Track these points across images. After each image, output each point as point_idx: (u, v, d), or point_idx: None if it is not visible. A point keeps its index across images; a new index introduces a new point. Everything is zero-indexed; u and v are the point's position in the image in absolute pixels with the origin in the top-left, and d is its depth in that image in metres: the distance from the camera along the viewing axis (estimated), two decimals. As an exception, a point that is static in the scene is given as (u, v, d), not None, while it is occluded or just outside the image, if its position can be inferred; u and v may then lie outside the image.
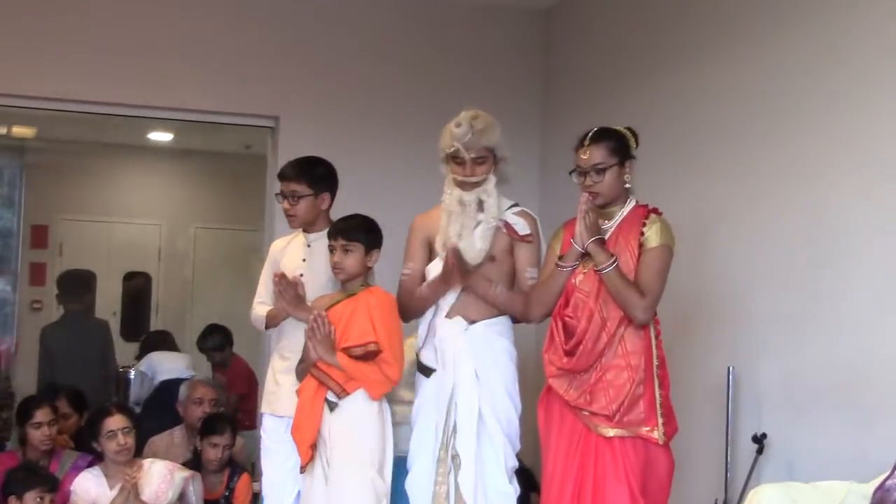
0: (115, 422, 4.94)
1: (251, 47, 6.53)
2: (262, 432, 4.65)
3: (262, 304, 4.67)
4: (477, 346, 4.24)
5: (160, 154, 10.50)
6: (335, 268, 4.35)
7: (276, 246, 4.77)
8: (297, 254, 4.63)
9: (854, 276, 4.40)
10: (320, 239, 4.58)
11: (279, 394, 4.56)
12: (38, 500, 4.75)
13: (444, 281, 4.27)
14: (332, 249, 4.35)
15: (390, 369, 4.23)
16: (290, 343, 4.54)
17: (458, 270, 4.19)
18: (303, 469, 4.28)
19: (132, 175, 10.74)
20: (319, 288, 4.53)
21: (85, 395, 6.21)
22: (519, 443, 4.31)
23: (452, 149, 4.25)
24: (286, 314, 4.50)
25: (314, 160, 4.68)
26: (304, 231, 4.64)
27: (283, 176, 4.62)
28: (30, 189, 10.17)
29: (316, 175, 4.60)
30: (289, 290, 4.42)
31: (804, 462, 4.54)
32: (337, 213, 4.50)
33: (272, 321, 4.60)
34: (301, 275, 4.51)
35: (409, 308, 4.39)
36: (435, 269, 4.34)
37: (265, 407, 4.63)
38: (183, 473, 5.02)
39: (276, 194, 4.67)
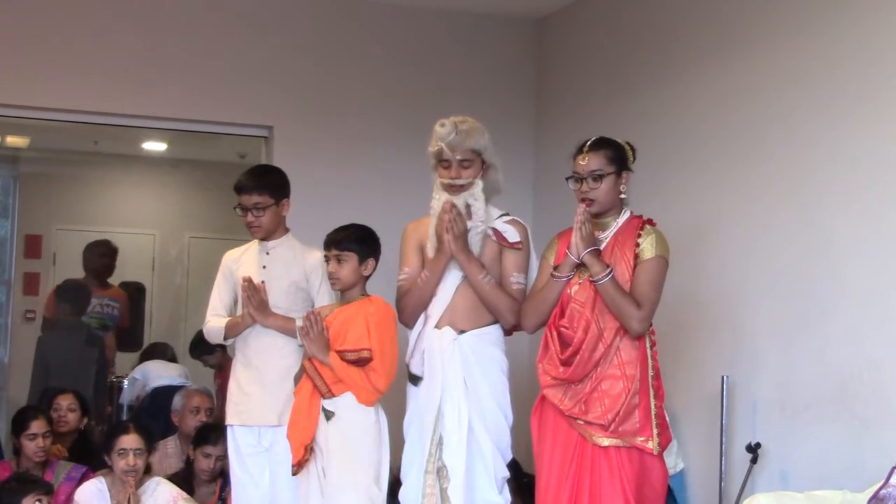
0: (129, 441, 4.89)
1: (245, 57, 6.53)
2: (230, 446, 4.61)
3: (217, 317, 4.66)
4: (466, 356, 4.24)
5: (154, 163, 10.48)
6: (331, 278, 4.37)
7: (230, 256, 4.75)
8: (255, 262, 4.63)
9: (846, 285, 4.41)
10: (279, 246, 4.62)
11: (248, 404, 4.54)
12: (38, 502, 4.74)
13: (439, 245, 4.25)
14: (326, 259, 4.37)
15: (377, 378, 4.23)
16: (256, 351, 4.54)
17: (455, 228, 4.18)
18: (295, 471, 4.27)
19: (126, 185, 10.71)
20: (280, 294, 4.55)
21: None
22: (510, 453, 4.31)
23: (436, 147, 4.25)
24: (251, 321, 4.50)
25: (268, 168, 4.72)
26: (262, 239, 4.64)
27: (242, 189, 4.58)
28: (23, 199, 10.15)
29: (275, 183, 4.61)
30: (255, 297, 4.43)
31: (798, 471, 4.54)
32: (328, 223, 4.50)
33: (233, 330, 4.59)
34: (263, 282, 4.53)
35: (412, 302, 4.34)
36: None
37: (233, 418, 4.58)
38: None
39: (235, 207, 4.63)
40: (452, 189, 4.25)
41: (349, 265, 4.34)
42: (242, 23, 6.58)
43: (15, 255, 10.07)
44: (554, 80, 6.87)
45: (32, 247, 10.28)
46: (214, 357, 7.63)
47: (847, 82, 4.49)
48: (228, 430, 4.61)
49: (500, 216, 4.38)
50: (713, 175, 5.26)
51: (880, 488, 3.70)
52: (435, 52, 6.88)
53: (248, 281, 4.45)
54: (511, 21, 6.99)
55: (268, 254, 4.62)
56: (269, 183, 4.58)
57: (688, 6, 5.59)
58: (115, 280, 8.41)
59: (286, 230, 4.67)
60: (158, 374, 7.42)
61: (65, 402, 5.88)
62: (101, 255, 8.02)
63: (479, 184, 4.28)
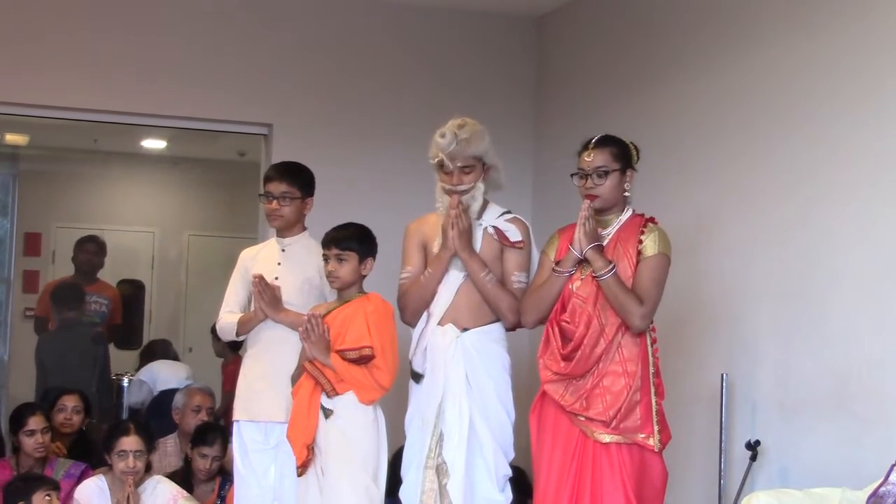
0: (130, 443, 4.87)
1: (245, 55, 6.54)
2: (235, 442, 4.60)
3: (230, 313, 4.67)
4: (469, 354, 4.24)
5: (153, 161, 10.49)
6: (329, 276, 4.36)
7: (247, 254, 4.78)
8: (272, 258, 4.65)
9: (845, 284, 4.42)
10: (294, 244, 4.64)
11: (256, 399, 4.54)
12: (47, 498, 4.74)
13: (444, 241, 4.25)
14: (325, 258, 4.36)
15: (381, 376, 4.23)
16: (266, 347, 4.55)
17: (459, 224, 4.19)
18: (299, 471, 4.27)
19: (125, 182, 10.72)
20: (294, 291, 4.56)
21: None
22: (512, 451, 4.31)
23: (437, 159, 4.26)
24: (263, 317, 4.51)
25: (300, 166, 4.73)
26: (279, 236, 4.67)
27: (271, 178, 4.63)
28: (23, 196, 10.15)
29: (304, 179, 4.65)
30: (267, 292, 4.45)
31: (797, 469, 4.55)
32: (328, 221, 4.51)
33: (244, 327, 4.60)
34: (276, 278, 4.55)
35: (413, 299, 4.35)
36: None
37: (241, 414, 4.57)
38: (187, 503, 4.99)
39: (261, 195, 4.67)
40: (454, 195, 4.26)
41: (350, 265, 4.33)
42: (242, 20, 6.58)
43: (14, 253, 10.08)
44: (553, 78, 6.87)
45: (32, 245, 10.29)
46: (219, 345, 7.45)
47: (846, 82, 4.49)
48: (235, 425, 4.60)
49: (502, 214, 4.38)
50: (712, 174, 5.26)
51: (879, 486, 3.71)
52: (434, 50, 6.88)
53: (259, 277, 4.47)
54: (510, 20, 6.99)
55: (283, 251, 4.64)
56: (299, 178, 4.63)
57: (687, 5, 5.59)
58: (113, 278, 8.39)
59: (304, 228, 4.69)
60: (166, 377, 7.37)
61: (70, 402, 5.84)
62: (89, 252, 7.97)
63: (481, 187, 4.30)
